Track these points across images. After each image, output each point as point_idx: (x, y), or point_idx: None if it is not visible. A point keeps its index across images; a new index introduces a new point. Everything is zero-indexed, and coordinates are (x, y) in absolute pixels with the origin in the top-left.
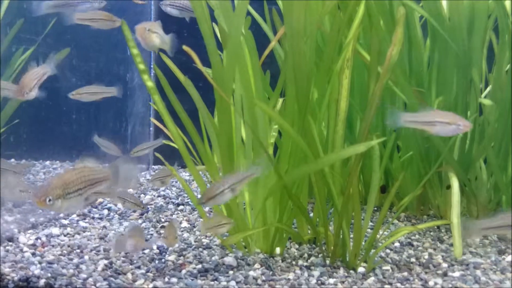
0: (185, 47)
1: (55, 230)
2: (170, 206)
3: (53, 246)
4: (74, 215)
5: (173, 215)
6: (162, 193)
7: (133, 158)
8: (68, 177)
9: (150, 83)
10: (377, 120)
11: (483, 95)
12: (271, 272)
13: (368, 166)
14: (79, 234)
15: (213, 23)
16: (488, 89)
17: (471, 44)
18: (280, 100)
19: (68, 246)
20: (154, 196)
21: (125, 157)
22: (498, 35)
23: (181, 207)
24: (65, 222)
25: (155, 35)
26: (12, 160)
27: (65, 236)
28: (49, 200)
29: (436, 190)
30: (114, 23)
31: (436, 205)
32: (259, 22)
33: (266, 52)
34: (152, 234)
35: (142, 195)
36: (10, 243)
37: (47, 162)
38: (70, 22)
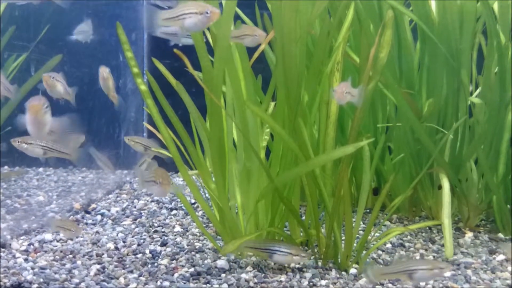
0: (176, 51)
1: (48, 236)
2: (164, 211)
3: (45, 251)
4: None
5: (166, 220)
6: (155, 198)
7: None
8: None
9: (143, 87)
10: (368, 121)
11: (473, 96)
12: (263, 275)
13: (360, 168)
14: (71, 239)
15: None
16: (478, 90)
17: (460, 46)
18: (272, 103)
19: (61, 251)
20: (148, 201)
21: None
22: (487, 37)
23: (174, 211)
24: None
25: (59, 84)
26: (6, 167)
27: (57, 241)
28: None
29: (427, 192)
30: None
31: (428, 206)
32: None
33: (256, 55)
34: (145, 239)
35: (135, 200)
36: (3, 249)
37: (40, 169)
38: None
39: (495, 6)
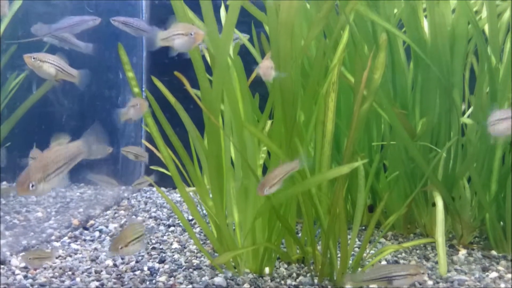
0: (176, 73)
1: None
2: (161, 227)
3: (45, 268)
4: (66, 237)
5: (164, 237)
6: (153, 214)
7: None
8: (45, 159)
9: None
10: (363, 140)
11: (465, 115)
12: None
13: (356, 186)
14: (70, 256)
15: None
16: (470, 110)
17: (452, 67)
18: (269, 122)
19: (60, 268)
20: (146, 217)
21: (95, 128)
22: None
23: (172, 228)
24: (57, 244)
25: (47, 65)
26: (4, 182)
27: (56, 258)
28: (32, 185)
29: (422, 209)
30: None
31: (423, 224)
32: (247, 46)
33: (253, 75)
34: (143, 256)
35: (133, 217)
36: (2, 266)
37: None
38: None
39: (486, 27)
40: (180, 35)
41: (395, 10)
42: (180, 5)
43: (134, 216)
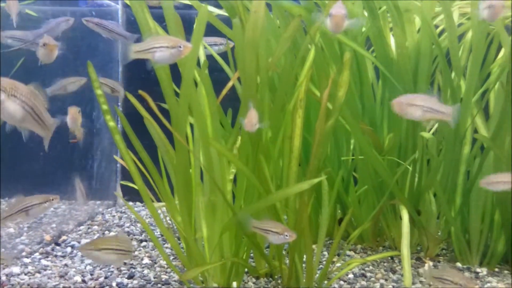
0: (140, 92)
1: (16, 269)
2: (134, 242)
3: (12, 285)
4: (37, 253)
5: (135, 252)
6: (126, 229)
7: None
8: None
9: (112, 123)
10: (332, 154)
11: (431, 131)
12: None
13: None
14: (39, 272)
15: None
16: (436, 125)
17: (416, 85)
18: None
19: (28, 285)
20: (118, 232)
21: None
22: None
23: (144, 243)
24: (27, 260)
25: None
26: None
27: (25, 274)
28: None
29: (390, 222)
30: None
31: (391, 237)
32: (218, 61)
33: (224, 91)
34: (112, 272)
35: (106, 232)
36: None
37: (13, 200)
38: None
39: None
40: (164, 47)
41: (363, 29)
42: (145, 20)
43: (107, 231)
